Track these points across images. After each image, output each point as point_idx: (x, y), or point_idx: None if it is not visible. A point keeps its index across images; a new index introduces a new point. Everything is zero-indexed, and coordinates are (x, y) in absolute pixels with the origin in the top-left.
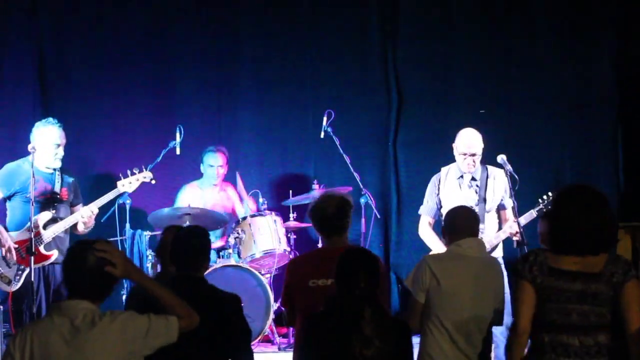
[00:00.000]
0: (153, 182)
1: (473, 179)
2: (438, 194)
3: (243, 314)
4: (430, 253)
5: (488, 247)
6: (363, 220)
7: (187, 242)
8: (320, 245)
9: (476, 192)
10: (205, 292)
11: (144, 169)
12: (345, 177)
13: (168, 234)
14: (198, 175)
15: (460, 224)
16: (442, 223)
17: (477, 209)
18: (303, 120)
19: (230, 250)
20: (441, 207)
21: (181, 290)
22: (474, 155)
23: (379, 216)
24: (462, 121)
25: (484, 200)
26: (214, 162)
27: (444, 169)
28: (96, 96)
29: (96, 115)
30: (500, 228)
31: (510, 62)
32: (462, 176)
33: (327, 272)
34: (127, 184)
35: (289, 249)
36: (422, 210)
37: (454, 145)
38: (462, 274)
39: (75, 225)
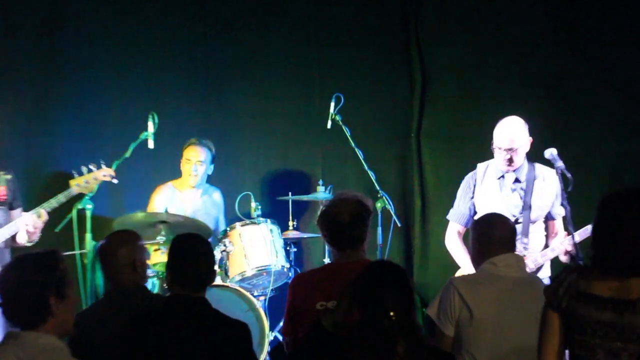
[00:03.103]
0: (114, 181)
1: (517, 180)
2: (472, 197)
3: (252, 346)
4: (458, 274)
5: (532, 266)
6: (380, 229)
7: (189, 254)
8: (327, 261)
9: (521, 198)
10: (207, 318)
11: (103, 165)
12: (357, 176)
13: (117, 243)
14: (178, 175)
15: (495, 237)
16: (471, 235)
17: (521, 218)
18: (307, 108)
19: (216, 267)
20: (475, 213)
21: (177, 314)
22: (512, 150)
23: (399, 224)
24: (503, 108)
25: (529, 207)
26: (193, 156)
27: (481, 166)
28: (51, 79)
29: (51, 100)
30: (547, 244)
31: (560, 36)
32: (503, 176)
33: (339, 293)
34: (83, 184)
35: (288, 265)
36: (451, 215)
37: (493, 134)
38: (499, 299)
39: (14, 236)
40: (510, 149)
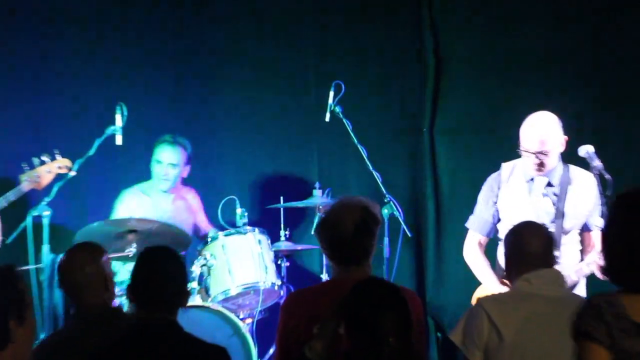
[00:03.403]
0: (72, 173)
1: (549, 184)
2: (496, 202)
3: None
4: (478, 292)
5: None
6: (386, 240)
7: (157, 270)
8: (325, 277)
9: (553, 204)
10: (179, 345)
11: (58, 156)
12: (360, 177)
13: (83, 257)
14: (148, 175)
15: (528, 250)
16: (501, 247)
17: (552, 228)
18: (301, 98)
19: (195, 284)
20: (499, 220)
21: (145, 340)
22: (543, 153)
23: (409, 234)
24: (531, 100)
25: (563, 215)
26: (164, 157)
27: (506, 166)
28: (3, 65)
29: (2, 90)
30: (583, 258)
31: (594, 18)
32: (533, 178)
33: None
34: (35, 178)
35: (279, 282)
36: (471, 223)
37: (520, 133)
38: (533, 321)
39: None
40: (540, 152)
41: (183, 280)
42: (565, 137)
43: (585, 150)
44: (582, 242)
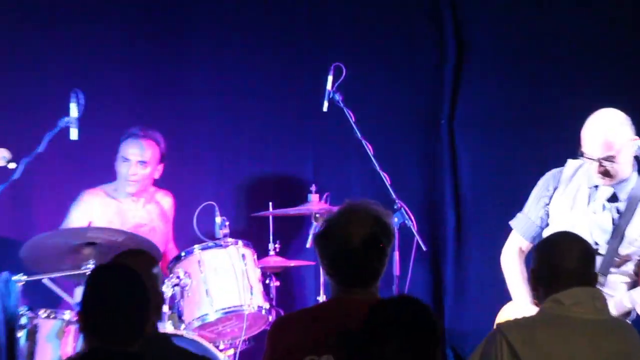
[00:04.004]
0: (10, 166)
1: (614, 197)
2: (548, 204)
3: None
4: (506, 311)
5: (614, 312)
6: (396, 254)
7: (109, 294)
8: (323, 299)
9: (613, 221)
10: None
11: None
12: (365, 179)
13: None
14: (112, 177)
15: (563, 264)
16: (532, 261)
17: (603, 249)
18: (293, 85)
19: (165, 309)
20: (546, 225)
21: None
22: (609, 159)
23: (423, 248)
24: (568, 85)
25: (622, 237)
26: (133, 154)
27: (572, 163)
28: None
29: None
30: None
31: None
32: (597, 186)
33: (325, 346)
34: None
35: (267, 306)
36: (516, 223)
37: (582, 134)
38: (565, 350)
39: None
40: (605, 158)
41: (145, 303)
42: (636, 138)
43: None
44: (637, 273)
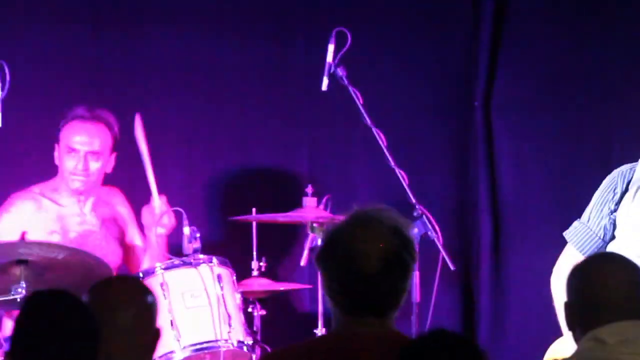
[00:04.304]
0: None
1: None
2: (614, 210)
3: None
4: (555, 355)
5: None
6: (416, 275)
7: (49, 326)
8: (319, 331)
9: None
10: None
11: None
12: (375, 179)
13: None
14: (51, 172)
15: (604, 294)
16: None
17: None
18: (284, 57)
19: None
20: (613, 238)
21: None
22: None
23: (452, 266)
24: (630, 59)
25: None
26: (80, 143)
27: None
28: None
29: None
30: None
31: None
32: None
33: None
34: None
35: (250, 341)
36: (572, 233)
37: None
38: None
39: None
40: None
41: (90, 340)
42: None
43: None
44: None
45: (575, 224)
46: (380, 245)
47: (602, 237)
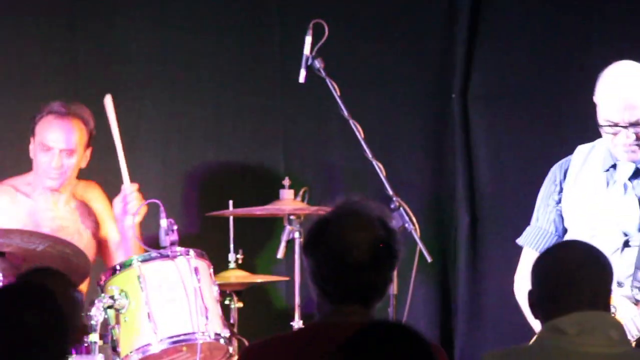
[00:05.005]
0: None
1: (638, 172)
2: (559, 202)
3: None
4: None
5: (637, 333)
6: None
7: (16, 322)
8: (297, 323)
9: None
10: None
11: None
12: (351, 170)
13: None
14: (24, 166)
15: (565, 281)
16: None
17: (636, 240)
18: (261, 49)
19: (95, 338)
20: (565, 231)
21: None
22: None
23: (428, 259)
24: (610, 46)
25: None
26: (55, 140)
27: (582, 149)
28: None
29: None
30: None
31: None
32: (614, 165)
33: None
34: None
35: (227, 334)
36: (525, 237)
37: (595, 100)
38: None
39: None
40: (637, 123)
41: (63, 334)
42: None
43: None
44: None
45: (527, 228)
46: (372, 235)
47: (554, 232)
